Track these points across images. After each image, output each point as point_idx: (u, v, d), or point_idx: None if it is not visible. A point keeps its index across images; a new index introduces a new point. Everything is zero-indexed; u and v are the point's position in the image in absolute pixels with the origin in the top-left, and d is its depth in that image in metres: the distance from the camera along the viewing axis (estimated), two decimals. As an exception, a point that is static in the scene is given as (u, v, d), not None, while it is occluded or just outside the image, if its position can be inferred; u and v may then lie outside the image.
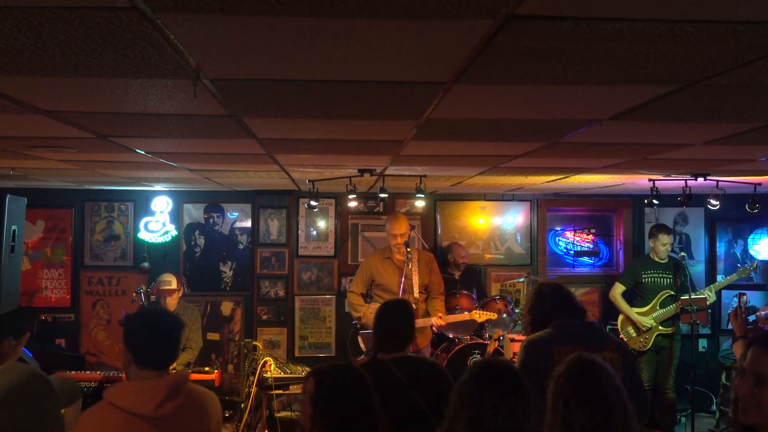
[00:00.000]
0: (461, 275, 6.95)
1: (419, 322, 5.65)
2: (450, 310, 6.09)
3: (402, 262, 5.71)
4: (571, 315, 3.29)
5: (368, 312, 5.71)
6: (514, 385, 2.24)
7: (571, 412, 2.11)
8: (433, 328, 5.84)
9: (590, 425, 2.09)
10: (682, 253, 6.46)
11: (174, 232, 7.34)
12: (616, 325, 6.54)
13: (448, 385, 3.18)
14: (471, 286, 6.64)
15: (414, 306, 5.63)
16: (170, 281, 6.13)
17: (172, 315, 2.61)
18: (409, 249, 5.66)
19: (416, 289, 5.72)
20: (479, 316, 5.97)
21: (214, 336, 7.26)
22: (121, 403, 2.28)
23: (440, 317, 5.73)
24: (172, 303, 6.09)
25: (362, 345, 5.89)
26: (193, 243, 7.45)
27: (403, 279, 5.56)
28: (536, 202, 7.70)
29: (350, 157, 4.15)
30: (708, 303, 6.33)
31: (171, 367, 2.49)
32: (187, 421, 2.36)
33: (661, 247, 6.41)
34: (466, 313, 6.01)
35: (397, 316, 3.43)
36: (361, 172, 4.85)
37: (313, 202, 5.38)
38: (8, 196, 4.80)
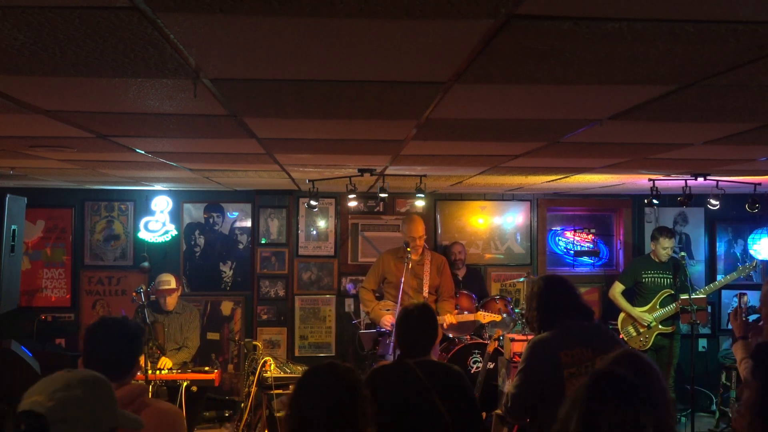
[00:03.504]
0: (464, 276, 6.96)
1: None
2: (450, 309, 6.13)
3: (415, 262, 5.75)
4: (579, 312, 3.22)
5: (376, 308, 5.79)
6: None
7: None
8: (444, 325, 5.90)
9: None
10: (682, 253, 6.45)
11: (174, 232, 7.33)
12: (617, 324, 6.54)
13: (467, 389, 3.19)
14: (474, 287, 6.66)
15: None
16: (169, 281, 6.12)
17: (124, 323, 2.51)
18: (408, 249, 5.70)
19: (426, 289, 5.85)
20: (484, 317, 6.11)
21: (214, 336, 7.26)
22: None
23: (450, 314, 5.85)
24: (171, 302, 6.08)
25: (364, 344, 5.95)
26: (193, 243, 7.45)
27: (403, 278, 5.58)
28: (536, 201, 7.69)
29: (350, 157, 4.15)
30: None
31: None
32: None
33: (662, 250, 6.41)
34: (471, 314, 6.11)
35: (418, 323, 3.28)
36: (361, 172, 4.85)
37: (313, 202, 5.39)
38: (8, 196, 4.80)
